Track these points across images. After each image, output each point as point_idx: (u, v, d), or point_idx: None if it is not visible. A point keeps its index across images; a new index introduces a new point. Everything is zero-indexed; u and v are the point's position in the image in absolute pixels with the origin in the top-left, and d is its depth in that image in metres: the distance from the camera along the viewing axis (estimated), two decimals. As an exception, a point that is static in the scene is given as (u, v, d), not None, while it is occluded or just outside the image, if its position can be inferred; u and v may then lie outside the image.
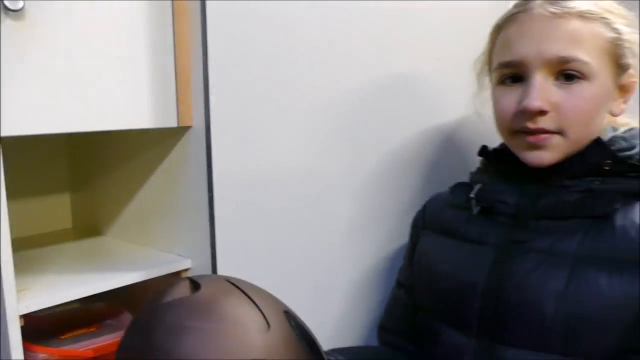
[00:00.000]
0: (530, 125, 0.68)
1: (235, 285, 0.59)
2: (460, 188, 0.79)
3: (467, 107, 0.86)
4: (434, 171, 1.02)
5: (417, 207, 0.92)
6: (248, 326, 0.54)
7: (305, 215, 0.87)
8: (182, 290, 0.58)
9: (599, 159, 0.67)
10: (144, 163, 0.90)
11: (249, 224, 0.81)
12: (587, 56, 0.67)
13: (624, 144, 0.69)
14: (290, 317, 0.60)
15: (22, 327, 0.67)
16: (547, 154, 0.69)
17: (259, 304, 0.57)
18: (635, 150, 0.69)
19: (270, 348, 0.53)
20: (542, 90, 0.67)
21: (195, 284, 0.59)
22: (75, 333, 0.78)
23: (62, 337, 0.77)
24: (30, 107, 0.65)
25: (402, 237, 0.94)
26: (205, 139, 0.77)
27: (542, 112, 0.67)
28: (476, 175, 0.81)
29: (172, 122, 0.78)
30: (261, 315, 0.56)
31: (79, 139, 1.06)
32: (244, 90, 0.78)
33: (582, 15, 0.68)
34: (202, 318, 0.53)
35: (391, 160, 0.97)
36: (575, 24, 0.67)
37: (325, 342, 0.84)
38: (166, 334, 0.53)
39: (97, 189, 1.04)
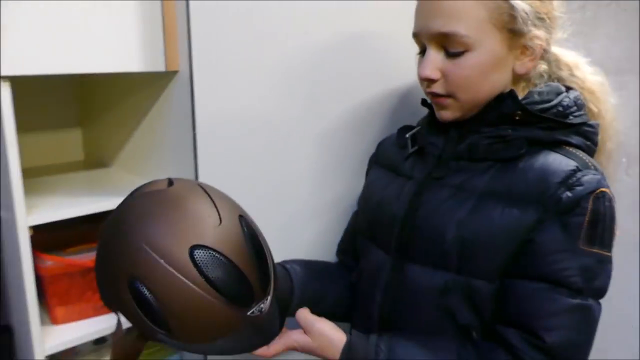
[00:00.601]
0: (427, 89, 0.79)
1: (202, 187, 0.71)
2: (404, 130, 0.88)
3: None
4: (394, 120, 1.09)
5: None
6: (202, 218, 0.66)
7: (275, 153, 0.97)
8: (159, 184, 0.71)
9: (510, 110, 0.75)
10: (139, 104, 1.01)
11: (227, 160, 0.91)
12: (467, 29, 0.72)
13: (537, 98, 0.77)
14: (243, 221, 0.70)
15: (34, 239, 0.81)
16: (447, 113, 0.79)
17: (217, 204, 0.68)
18: (551, 104, 0.76)
19: (216, 239, 0.65)
20: (433, 60, 0.76)
21: (170, 182, 0.71)
22: (79, 248, 0.93)
23: (68, 250, 0.91)
24: (30, 51, 0.75)
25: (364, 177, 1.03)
26: (190, 83, 0.87)
27: (432, 80, 0.76)
28: (420, 121, 0.90)
29: (160, 67, 0.89)
30: (216, 212, 0.67)
31: (87, 80, 1.17)
32: (222, 40, 0.87)
33: None
34: (166, 207, 0.66)
35: (355, 109, 1.05)
36: (456, 1, 0.72)
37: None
38: (136, 216, 0.66)
39: (104, 125, 1.16)
